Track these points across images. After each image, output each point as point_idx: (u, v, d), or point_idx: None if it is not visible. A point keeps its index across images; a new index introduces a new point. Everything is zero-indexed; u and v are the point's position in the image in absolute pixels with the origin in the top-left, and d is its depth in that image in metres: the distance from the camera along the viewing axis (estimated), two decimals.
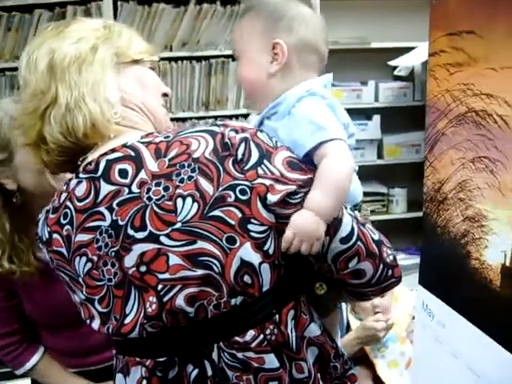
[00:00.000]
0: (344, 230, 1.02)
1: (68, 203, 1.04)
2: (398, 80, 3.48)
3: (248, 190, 0.98)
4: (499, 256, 0.80)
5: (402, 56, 3.28)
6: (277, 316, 1.02)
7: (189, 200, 0.98)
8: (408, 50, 3.21)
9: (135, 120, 1.09)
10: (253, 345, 1.01)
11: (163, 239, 0.98)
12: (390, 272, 1.03)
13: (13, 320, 1.57)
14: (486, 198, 0.82)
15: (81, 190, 1.03)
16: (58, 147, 1.05)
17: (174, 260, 0.98)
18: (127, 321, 1.01)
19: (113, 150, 1.04)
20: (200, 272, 0.97)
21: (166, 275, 0.98)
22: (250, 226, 0.99)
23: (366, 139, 3.47)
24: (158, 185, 0.99)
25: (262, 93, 1.11)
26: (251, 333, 1.01)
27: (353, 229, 1.02)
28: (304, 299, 1.07)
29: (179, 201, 0.98)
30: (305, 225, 0.97)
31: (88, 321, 1.06)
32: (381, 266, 1.02)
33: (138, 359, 1.03)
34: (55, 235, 1.05)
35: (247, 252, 0.99)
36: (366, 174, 3.55)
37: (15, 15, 3.01)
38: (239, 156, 0.99)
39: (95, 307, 1.04)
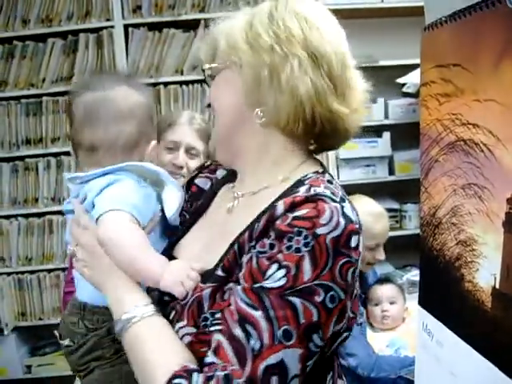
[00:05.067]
0: None
1: None
2: (407, 97, 3.51)
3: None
4: (490, 279, 0.83)
5: (410, 73, 3.31)
6: None
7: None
8: (415, 66, 3.22)
9: None
10: None
11: None
12: None
13: None
14: (476, 223, 0.85)
15: None
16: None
17: None
18: None
19: None
20: None
21: None
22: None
23: (377, 156, 3.51)
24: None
25: None
26: None
27: None
28: None
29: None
30: None
31: None
32: None
33: None
34: None
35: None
36: (378, 190, 3.62)
37: (29, 44, 3.10)
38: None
39: None
